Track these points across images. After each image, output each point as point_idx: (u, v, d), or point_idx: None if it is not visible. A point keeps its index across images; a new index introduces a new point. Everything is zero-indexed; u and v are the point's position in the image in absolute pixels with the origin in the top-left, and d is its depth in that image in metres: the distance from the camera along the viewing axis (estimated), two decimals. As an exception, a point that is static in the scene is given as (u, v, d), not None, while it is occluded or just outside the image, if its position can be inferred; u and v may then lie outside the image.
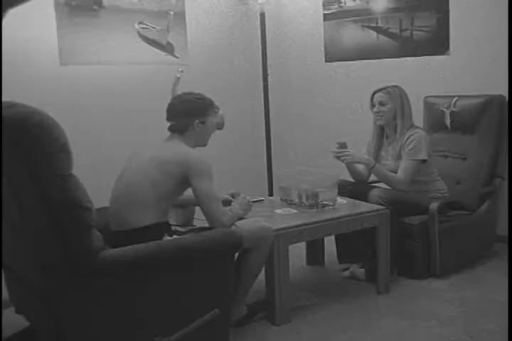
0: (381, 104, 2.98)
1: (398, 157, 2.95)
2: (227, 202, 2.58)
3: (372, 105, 3.02)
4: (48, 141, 1.55)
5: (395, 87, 2.99)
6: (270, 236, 2.32)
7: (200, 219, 2.66)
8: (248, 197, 2.52)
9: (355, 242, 2.95)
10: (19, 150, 1.54)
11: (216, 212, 2.19)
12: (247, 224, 2.28)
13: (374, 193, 2.84)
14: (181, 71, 2.90)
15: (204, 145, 2.40)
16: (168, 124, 2.36)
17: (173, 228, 2.27)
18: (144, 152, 2.30)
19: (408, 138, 2.91)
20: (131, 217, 2.17)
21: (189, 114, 2.33)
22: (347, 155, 2.88)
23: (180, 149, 2.26)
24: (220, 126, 2.46)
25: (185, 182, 2.21)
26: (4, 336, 2.02)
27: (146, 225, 2.15)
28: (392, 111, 2.96)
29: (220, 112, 2.45)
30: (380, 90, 3.00)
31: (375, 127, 3.10)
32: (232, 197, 2.64)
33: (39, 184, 1.58)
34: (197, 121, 2.32)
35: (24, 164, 1.56)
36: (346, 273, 2.97)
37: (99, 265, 1.72)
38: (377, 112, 2.99)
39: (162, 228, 2.20)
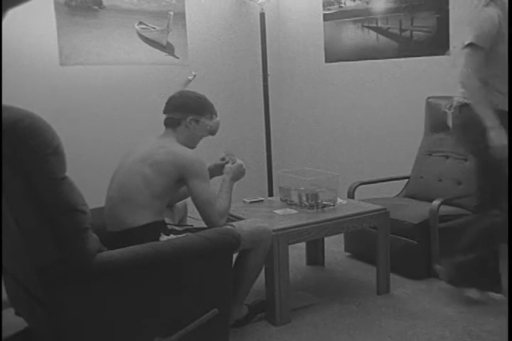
0: None
1: None
2: (220, 168, 2.51)
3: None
4: (40, 144, 1.53)
5: None
6: (269, 237, 2.31)
7: (194, 218, 2.67)
8: (239, 161, 2.46)
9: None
10: (11, 154, 1.53)
11: (212, 215, 2.20)
12: (246, 225, 2.28)
13: None
14: (194, 75, 2.90)
15: (192, 147, 2.36)
16: (164, 117, 2.35)
17: (169, 227, 2.26)
18: (137, 149, 2.28)
19: None
20: (126, 217, 2.16)
21: (185, 109, 2.32)
22: None
23: (174, 148, 2.24)
24: (212, 132, 2.43)
25: (180, 180, 2.21)
26: (4, 336, 2.02)
27: (142, 225, 2.14)
28: None
29: (218, 119, 2.43)
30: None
31: None
32: (223, 159, 2.54)
33: (32, 188, 1.57)
34: (190, 117, 2.31)
35: (17, 168, 1.55)
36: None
37: (96, 267, 1.71)
38: None
39: (158, 227, 2.19)
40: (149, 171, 2.17)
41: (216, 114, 2.43)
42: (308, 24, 4.17)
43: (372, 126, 3.89)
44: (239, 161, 2.47)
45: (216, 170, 2.55)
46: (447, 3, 3.38)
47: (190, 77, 2.87)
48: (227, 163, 2.49)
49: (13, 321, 2.13)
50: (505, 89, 2.41)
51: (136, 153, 2.25)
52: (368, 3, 3.77)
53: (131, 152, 2.29)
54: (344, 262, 3.27)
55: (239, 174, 2.44)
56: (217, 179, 2.50)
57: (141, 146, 2.29)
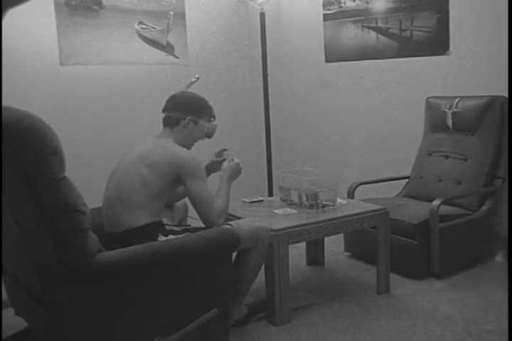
0: None
1: None
2: (217, 164, 2.53)
3: None
4: (40, 144, 1.53)
5: None
6: (267, 236, 2.31)
7: (194, 218, 2.67)
8: (236, 160, 2.47)
9: None
10: (11, 154, 1.53)
11: (210, 214, 2.21)
12: (244, 224, 2.27)
13: None
14: (197, 77, 2.92)
15: (188, 148, 2.37)
16: (163, 116, 2.37)
17: (168, 227, 2.26)
18: (134, 149, 2.29)
19: None
20: (124, 218, 2.16)
21: (185, 109, 2.34)
22: None
23: (171, 148, 2.25)
24: (209, 135, 2.45)
25: (177, 180, 2.22)
26: (4, 336, 2.02)
27: (139, 225, 2.14)
28: None
29: (215, 123, 2.45)
30: None
31: None
32: (220, 155, 2.59)
33: (32, 188, 1.57)
34: (189, 117, 2.33)
35: (16, 168, 1.55)
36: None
37: (95, 268, 1.71)
38: None
39: (156, 228, 2.19)
40: (146, 172, 2.17)
41: (214, 118, 2.45)
42: (308, 24, 4.17)
43: (372, 125, 3.89)
44: (236, 160, 2.48)
45: (214, 167, 2.58)
46: (447, 3, 3.38)
47: (193, 79, 2.88)
48: (224, 160, 2.51)
49: (13, 321, 2.13)
50: None
51: (134, 153, 2.26)
52: (367, 3, 3.77)
53: (129, 152, 2.30)
54: (344, 262, 3.27)
55: (236, 173, 2.45)
56: (215, 178, 2.50)
57: (139, 146, 2.30)
